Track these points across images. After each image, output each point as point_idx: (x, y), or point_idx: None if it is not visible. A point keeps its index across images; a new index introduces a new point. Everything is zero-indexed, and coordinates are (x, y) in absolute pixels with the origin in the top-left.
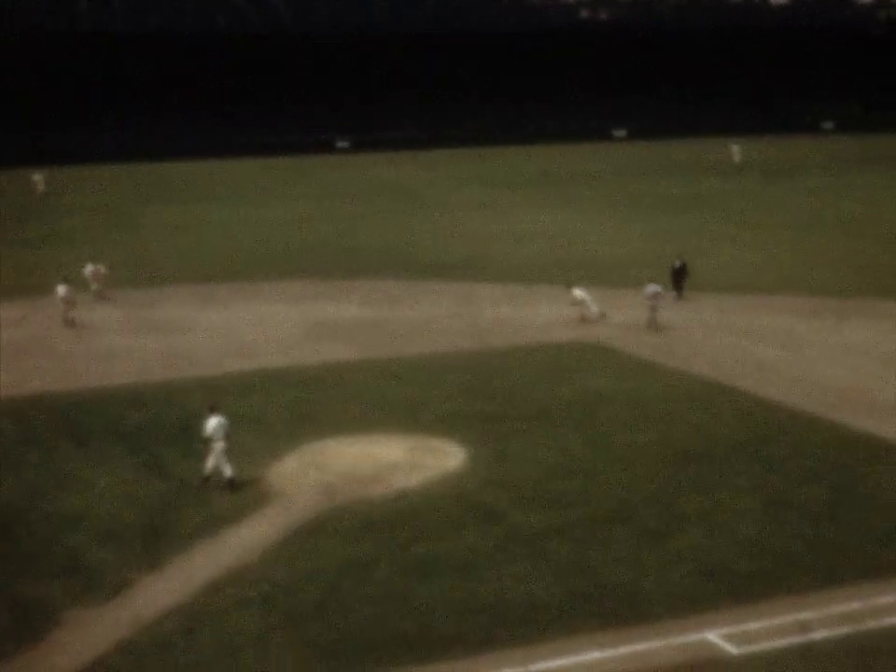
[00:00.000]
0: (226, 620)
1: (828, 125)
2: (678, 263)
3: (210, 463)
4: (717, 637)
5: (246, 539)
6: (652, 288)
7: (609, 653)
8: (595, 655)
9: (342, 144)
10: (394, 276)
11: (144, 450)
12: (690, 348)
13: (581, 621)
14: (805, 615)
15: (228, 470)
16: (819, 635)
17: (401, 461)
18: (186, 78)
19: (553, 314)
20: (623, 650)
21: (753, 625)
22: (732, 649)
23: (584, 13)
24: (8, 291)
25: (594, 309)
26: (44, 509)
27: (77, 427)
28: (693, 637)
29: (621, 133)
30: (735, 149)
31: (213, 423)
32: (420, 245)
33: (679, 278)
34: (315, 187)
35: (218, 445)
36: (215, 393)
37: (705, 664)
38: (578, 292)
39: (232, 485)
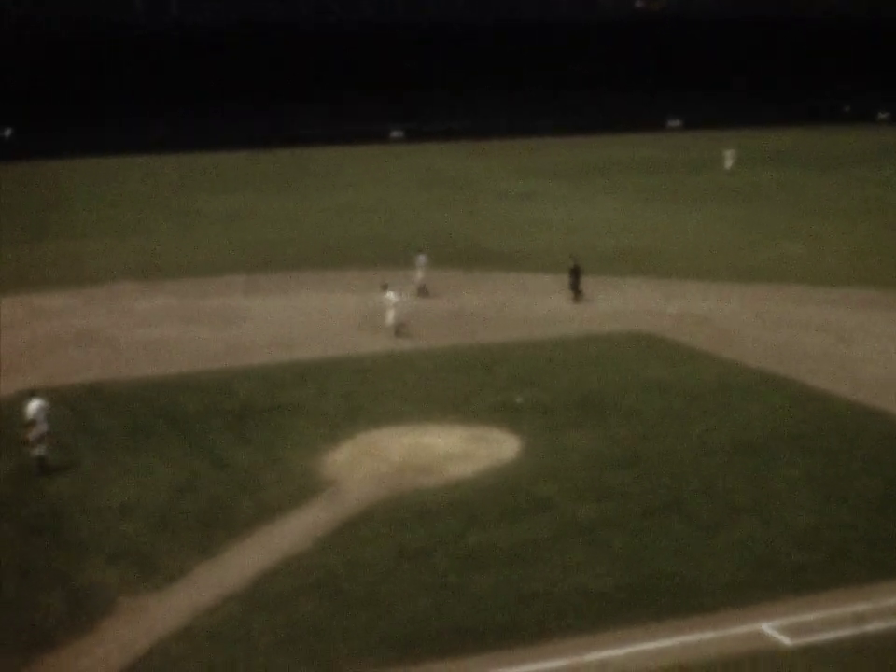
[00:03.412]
0: (281, 608)
1: (883, 115)
2: (572, 264)
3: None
4: (771, 628)
5: (301, 527)
6: (422, 258)
7: (662, 644)
8: (648, 646)
9: (395, 134)
10: (447, 266)
11: (198, 438)
12: (743, 339)
13: (634, 611)
14: (859, 607)
15: (41, 451)
16: (873, 627)
17: (455, 451)
18: (237, 70)
19: (608, 304)
20: (677, 640)
21: (808, 617)
22: (786, 640)
23: (638, 3)
24: (60, 282)
25: (390, 319)
26: (99, 497)
27: (132, 416)
28: (746, 629)
29: (675, 122)
30: (728, 154)
31: (34, 406)
32: (473, 234)
33: (575, 279)
34: (368, 176)
35: (40, 427)
36: (269, 382)
37: (759, 655)
38: (390, 295)
39: (43, 467)
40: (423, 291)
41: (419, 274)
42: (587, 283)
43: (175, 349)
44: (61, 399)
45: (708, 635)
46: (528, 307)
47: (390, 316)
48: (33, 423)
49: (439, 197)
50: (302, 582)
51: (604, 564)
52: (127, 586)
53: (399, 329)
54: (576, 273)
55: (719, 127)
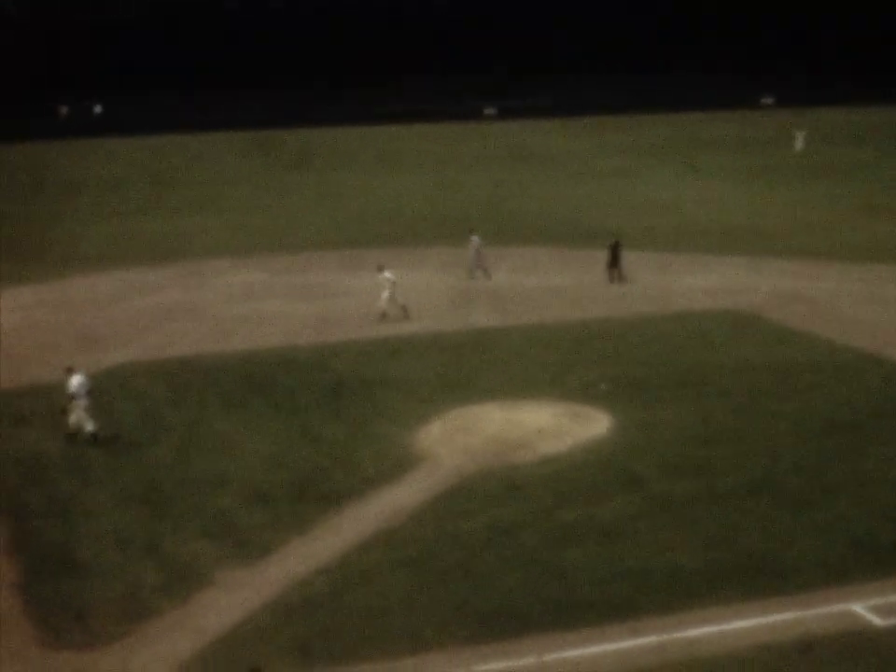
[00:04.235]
0: (373, 581)
1: None
2: (612, 241)
3: (73, 419)
4: (862, 608)
5: (394, 501)
6: (476, 239)
7: (752, 622)
8: (738, 624)
9: (489, 111)
10: (540, 243)
11: (293, 412)
12: (837, 317)
13: (724, 589)
14: None
15: (90, 426)
16: None
17: (547, 427)
18: (335, 47)
19: (701, 282)
20: (767, 619)
21: None
22: (877, 620)
23: None
24: (156, 257)
25: (383, 299)
26: (195, 470)
27: (227, 390)
28: (837, 608)
29: (768, 100)
30: (799, 135)
31: (75, 381)
32: (566, 212)
33: (614, 257)
34: (461, 154)
35: (81, 402)
36: (363, 357)
37: (849, 635)
38: (387, 275)
39: (96, 439)
40: (477, 272)
41: (471, 255)
42: (680, 260)
43: (270, 323)
44: (157, 372)
45: (799, 614)
46: (620, 284)
47: (383, 298)
48: (74, 397)
49: (531, 175)
50: (394, 556)
51: (695, 541)
52: (222, 559)
53: (396, 313)
54: (615, 252)
55: (814, 105)
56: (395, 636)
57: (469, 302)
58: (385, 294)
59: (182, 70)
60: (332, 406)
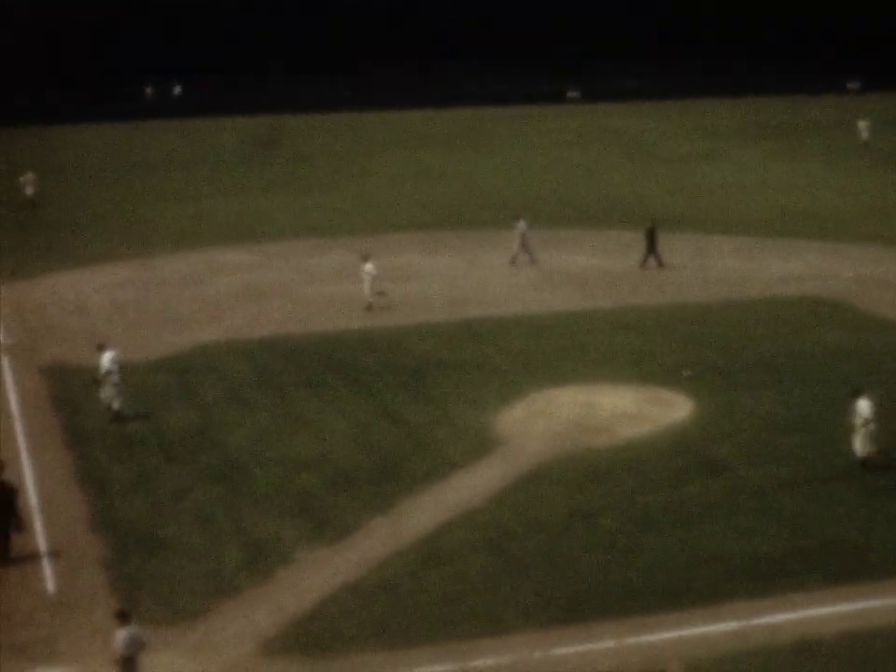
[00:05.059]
0: (453, 563)
1: None
2: (649, 225)
3: (104, 395)
4: None
5: (474, 484)
6: (522, 224)
7: (833, 610)
8: (819, 611)
9: (572, 94)
10: (623, 226)
11: (374, 394)
12: None
13: (805, 577)
14: None
15: (116, 403)
16: None
17: (628, 411)
18: (417, 27)
19: (783, 267)
20: (848, 607)
21: None
22: None
23: None
24: (242, 236)
25: (367, 290)
26: (277, 450)
27: (310, 371)
28: None
29: (854, 84)
30: (863, 126)
31: (107, 358)
32: (649, 195)
33: (650, 242)
34: (544, 136)
35: (113, 378)
36: (444, 339)
37: None
38: (368, 267)
39: (119, 418)
40: (520, 259)
41: (516, 241)
42: (762, 245)
43: (354, 305)
44: (239, 352)
45: (880, 602)
46: (701, 268)
47: (366, 288)
48: (109, 373)
49: (613, 157)
50: (474, 539)
51: (775, 528)
52: (302, 538)
53: (374, 303)
54: (651, 237)
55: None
56: (474, 618)
57: (548, 285)
58: (367, 284)
59: (256, 50)
60: (413, 388)
